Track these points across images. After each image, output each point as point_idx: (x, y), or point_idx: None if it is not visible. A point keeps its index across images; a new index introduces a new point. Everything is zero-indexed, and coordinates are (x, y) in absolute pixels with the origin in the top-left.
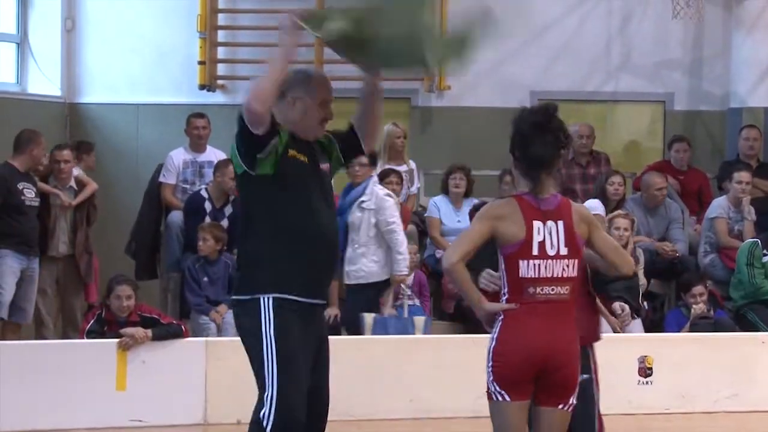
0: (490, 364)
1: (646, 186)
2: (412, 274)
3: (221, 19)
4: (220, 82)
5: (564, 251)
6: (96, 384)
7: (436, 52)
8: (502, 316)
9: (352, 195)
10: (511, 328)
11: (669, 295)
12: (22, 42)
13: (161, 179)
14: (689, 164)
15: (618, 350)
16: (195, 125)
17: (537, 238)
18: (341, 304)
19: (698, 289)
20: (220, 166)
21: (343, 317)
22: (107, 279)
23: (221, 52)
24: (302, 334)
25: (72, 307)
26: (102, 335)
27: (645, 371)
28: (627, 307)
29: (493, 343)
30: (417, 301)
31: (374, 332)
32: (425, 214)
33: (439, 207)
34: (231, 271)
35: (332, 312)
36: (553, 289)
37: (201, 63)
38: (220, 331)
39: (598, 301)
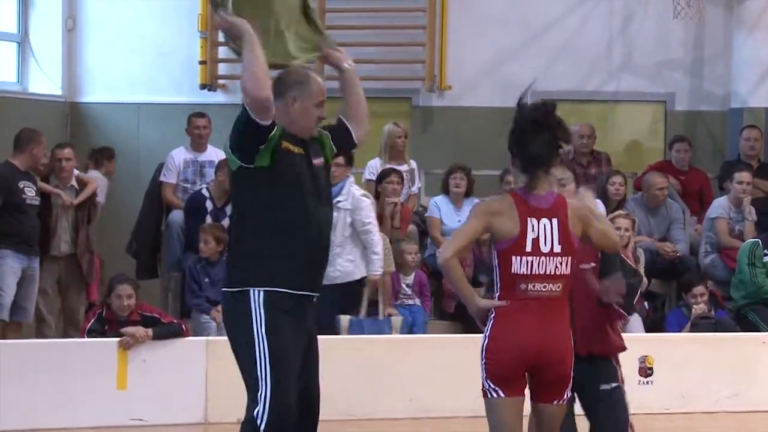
0: (484, 362)
1: (647, 186)
2: (413, 274)
3: None
4: (220, 81)
5: (558, 249)
6: (96, 383)
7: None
8: (494, 313)
9: None
10: (503, 325)
11: (670, 295)
12: (23, 41)
13: (162, 179)
14: (690, 164)
15: None
16: (196, 125)
17: (531, 235)
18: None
19: (699, 289)
20: (221, 166)
21: (319, 318)
22: (108, 278)
23: (222, 52)
24: (293, 331)
25: (73, 306)
26: (103, 334)
27: (645, 371)
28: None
29: (486, 340)
30: (417, 301)
31: (350, 334)
32: (426, 214)
33: (440, 207)
34: None
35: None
36: (545, 286)
37: (202, 62)
38: (220, 331)
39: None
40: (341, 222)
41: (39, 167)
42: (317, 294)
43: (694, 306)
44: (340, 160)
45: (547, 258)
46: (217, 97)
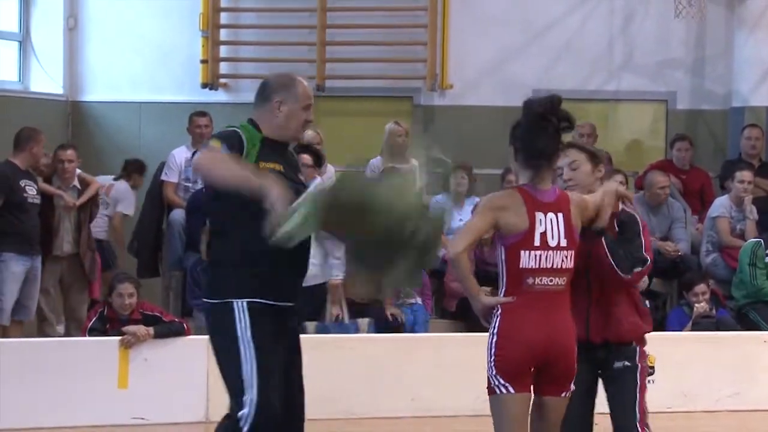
0: (492, 358)
1: (648, 185)
2: None
3: (223, 17)
4: (222, 80)
5: (564, 242)
6: (98, 382)
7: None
8: (499, 310)
9: None
10: (511, 322)
11: (671, 294)
12: (24, 40)
13: (163, 177)
14: (691, 163)
15: None
16: (197, 124)
17: (539, 229)
18: None
19: (701, 287)
20: None
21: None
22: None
23: (223, 51)
24: (277, 334)
25: (76, 304)
26: (104, 333)
27: (647, 370)
28: None
29: (494, 337)
30: (419, 300)
31: None
32: None
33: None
34: None
35: (335, 312)
36: (551, 280)
37: (203, 61)
38: None
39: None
40: None
41: (41, 167)
42: (294, 305)
43: (696, 305)
44: (309, 160)
45: (554, 252)
46: (219, 96)
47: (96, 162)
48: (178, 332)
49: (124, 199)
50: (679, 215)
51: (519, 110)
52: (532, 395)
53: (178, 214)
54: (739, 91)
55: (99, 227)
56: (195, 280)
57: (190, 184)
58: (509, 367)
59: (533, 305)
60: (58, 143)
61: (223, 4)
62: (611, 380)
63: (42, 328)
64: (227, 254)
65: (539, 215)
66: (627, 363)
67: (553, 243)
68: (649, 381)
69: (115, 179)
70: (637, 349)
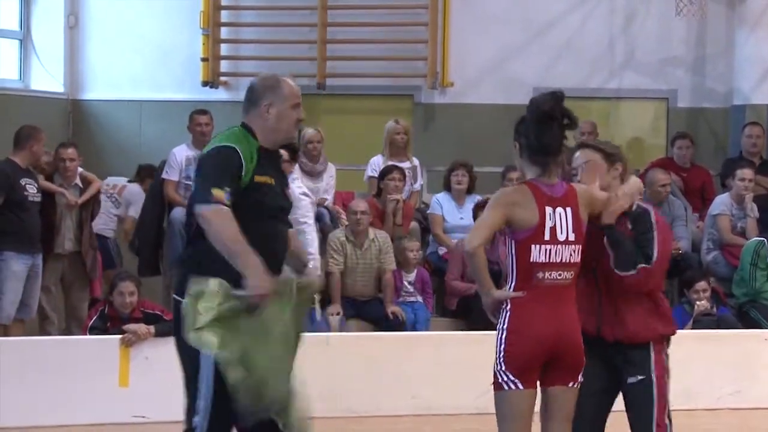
0: (502, 354)
1: (649, 182)
2: (415, 271)
3: (224, 15)
4: (223, 78)
5: (572, 237)
6: (98, 380)
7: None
8: (509, 305)
9: None
10: (520, 317)
11: (672, 292)
12: (25, 39)
13: (164, 176)
14: (692, 161)
15: None
16: (198, 122)
17: (549, 224)
18: None
19: (701, 284)
20: None
21: None
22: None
23: (224, 49)
24: None
25: (77, 303)
26: (105, 331)
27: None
28: None
29: (504, 333)
30: (419, 298)
31: None
32: (428, 211)
33: (442, 204)
34: None
35: (334, 309)
36: (560, 274)
37: (204, 60)
38: None
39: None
40: None
41: (43, 165)
42: None
43: (697, 302)
44: (285, 155)
45: (563, 246)
46: (219, 94)
47: (97, 160)
48: None
49: (136, 202)
50: (680, 213)
51: (520, 108)
52: (539, 391)
53: (179, 213)
54: (739, 89)
55: (105, 224)
56: None
57: (190, 182)
58: (519, 362)
59: (542, 300)
60: (58, 142)
61: (223, 2)
62: (626, 395)
63: (43, 327)
64: (203, 255)
65: (549, 210)
66: (640, 377)
67: (562, 237)
68: None
69: (129, 182)
70: (651, 355)
